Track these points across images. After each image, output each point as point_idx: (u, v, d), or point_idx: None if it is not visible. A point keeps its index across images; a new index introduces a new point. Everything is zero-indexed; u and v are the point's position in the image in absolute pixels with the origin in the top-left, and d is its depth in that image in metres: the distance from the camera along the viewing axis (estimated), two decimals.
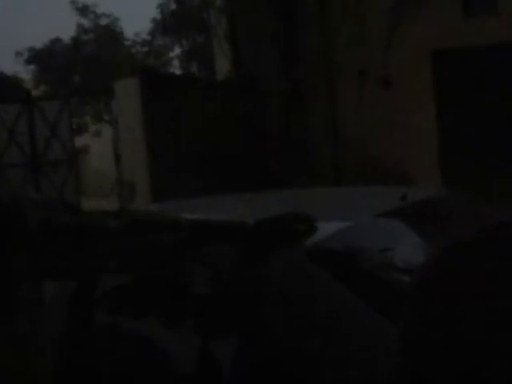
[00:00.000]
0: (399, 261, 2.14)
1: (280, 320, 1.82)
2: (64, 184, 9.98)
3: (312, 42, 8.51)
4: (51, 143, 9.85)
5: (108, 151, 18.37)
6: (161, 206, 4.43)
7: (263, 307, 1.84)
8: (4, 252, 1.65)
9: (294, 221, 1.84)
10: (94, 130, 20.70)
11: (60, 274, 1.86)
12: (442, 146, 8.13)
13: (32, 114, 9.71)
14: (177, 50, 22.47)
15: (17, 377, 1.61)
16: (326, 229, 2.01)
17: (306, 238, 1.85)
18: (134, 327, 2.07)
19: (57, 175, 9.85)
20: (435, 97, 8.21)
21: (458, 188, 5.13)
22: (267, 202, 2.79)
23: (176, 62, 22.33)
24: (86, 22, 21.76)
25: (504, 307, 0.94)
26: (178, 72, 20.91)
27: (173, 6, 20.08)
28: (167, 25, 20.67)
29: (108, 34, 21.71)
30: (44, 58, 20.96)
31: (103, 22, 21.81)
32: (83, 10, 21.42)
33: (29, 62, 21.17)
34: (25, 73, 21.12)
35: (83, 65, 20.83)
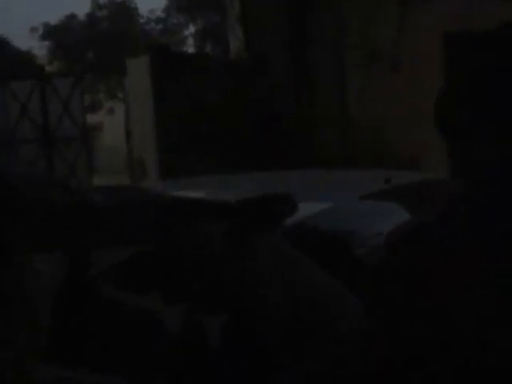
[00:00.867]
0: (375, 240, 2.18)
1: (261, 298, 1.89)
2: (76, 161, 10.10)
3: (324, 23, 8.50)
4: (63, 120, 9.95)
5: (121, 129, 18.45)
6: (166, 183, 4.52)
7: (246, 284, 1.92)
8: None
9: (275, 200, 1.90)
10: (108, 107, 20.78)
11: (51, 249, 1.94)
12: (448, 129, 8.10)
13: (44, 91, 9.80)
14: (191, 29, 22.40)
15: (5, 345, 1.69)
16: (308, 209, 2.07)
17: (286, 218, 1.91)
18: (124, 301, 2.15)
19: (69, 152, 9.97)
20: (447, 81, 8.18)
21: (465, 173, 5.14)
22: (270, 182, 2.85)
23: (190, 41, 22.28)
24: None
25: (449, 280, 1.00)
26: (192, 51, 20.88)
27: None
28: (181, 3, 20.63)
29: (123, 11, 21.69)
30: (59, 33, 21.00)
31: None
32: None
33: (43, 37, 21.23)
34: (39, 49, 21.19)
35: (98, 41, 20.87)
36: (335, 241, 2.21)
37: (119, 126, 19.49)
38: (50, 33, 20.81)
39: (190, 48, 21.30)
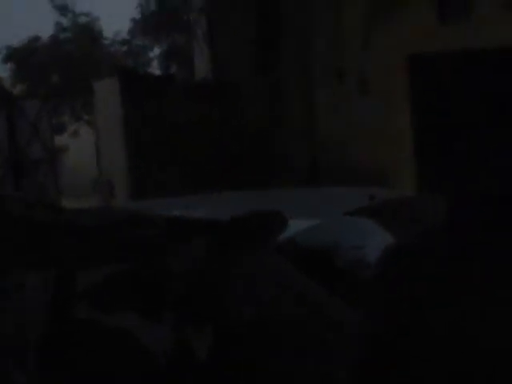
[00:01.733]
0: (372, 258, 2.23)
1: (253, 313, 1.91)
2: (44, 183, 9.99)
3: (291, 44, 8.62)
4: (32, 142, 9.85)
5: (85, 151, 18.31)
6: (138, 204, 4.50)
7: (236, 301, 1.93)
8: None
9: (267, 218, 1.93)
10: (72, 129, 20.59)
11: (38, 267, 1.93)
12: (418, 148, 8.29)
13: (12, 113, 9.70)
14: (156, 51, 22.43)
15: None
16: (298, 226, 2.10)
17: (278, 235, 1.94)
18: (111, 321, 2.13)
19: (37, 174, 9.85)
20: (412, 100, 8.37)
21: (432, 190, 5.25)
22: (244, 201, 2.88)
23: (155, 63, 22.30)
24: (64, 21, 21.64)
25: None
26: (157, 72, 20.89)
27: (152, 6, 20.06)
28: (147, 25, 20.65)
29: (87, 33, 21.62)
30: (22, 56, 20.80)
31: (82, 20, 21.71)
32: (62, 9, 21.30)
33: (6, 60, 20.98)
34: (2, 71, 20.93)
35: (62, 64, 20.73)
36: (319, 254, 2.25)
37: (84, 148, 19.33)
38: (13, 55, 20.60)
39: (155, 70, 21.31)
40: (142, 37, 21.86)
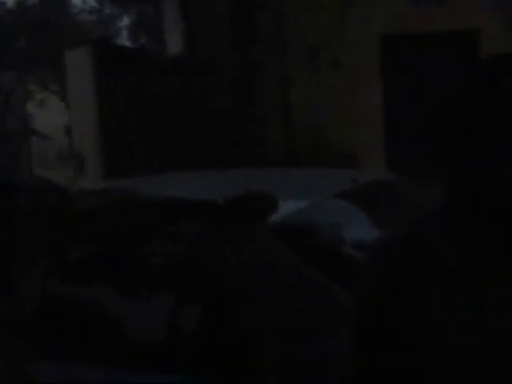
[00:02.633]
0: (349, 237, 2.35)
1: (242, 290, 2.00)
2: (16, 154, 9.85)
3: (267, 21, 8.62)
4: (4, 112, 9.67)
5: (53, 122, 17.99)
6: (116, 182, 4.52)
7: (227, 278, 2.02)
8: None
9: (258, 200, 2.01)
10: (40, 99, 20.20)
11: (40, 251, 1.98)
12: (388, 129, 8.44)
13: None
14: (126, 21, 22.05)
15: None
16: (287, 207, 2.20)
17: (267, 215, 2.03)
18: (103, 298, 2.20)
19: (10, 144, 9.70)
20: (384, 80, 8.49)
21: (403, 171, 5.38)
22: (226, 181, 2.95)
23: (125, 33, 21.93)
24: None
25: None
26: (126, 43, 20.55)
27: None
28: None
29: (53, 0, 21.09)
30: None
31: None
32: None
33: None
34: None
35: (28, 30, 20.22)
36: (301, 233, 2.35)
37: (51, 119, 18.98)
38: None
39: (124, 40, 20.97)
40: (110, 6, 21.44)
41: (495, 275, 1.04)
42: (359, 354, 1.10)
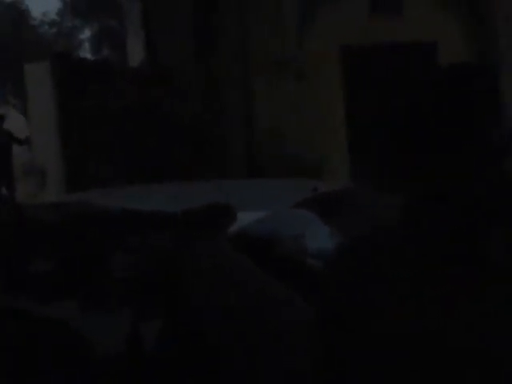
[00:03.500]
0: (311, 247, 2.36)
1: (203, 301, 1.99)
2: None
3: (229, 31, 8.66)
4: None
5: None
6: (77, 196, 4.46)
7: (188, 290, 2.01)
8: None
9: (217, 210, 2.01)
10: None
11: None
12: (351, 137, 8.54)
13: None
14: (87, 33, 21.89)
15: None
16: (247, 218, 2.20)
17: (227, 226, 2.04)
18: (46, 312, 2.17)
19: None
20: (345, 89, 8.60)
21: (364, 179, 5.44)
22: (187, 193, 2.95)
23: (86, 45, 21.76)
24: None
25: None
26: (88, 56, 20.39)
27: None
28: (77, 5, 20.11)
29: (14, 13, 20.82)
30: None
31: None
32: None
33: None
34: None
35: None
36: (263, 244, 2.36)
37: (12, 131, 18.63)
38: None
39: (86, 53, 20.80)
40: (71, 18, 21.28)
41: (449, 281, 1.07)
42: (324, 363, 1.11)
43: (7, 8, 21.46)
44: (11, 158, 9.72)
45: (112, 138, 8.14)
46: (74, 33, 22.04)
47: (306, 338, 1.64)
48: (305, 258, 2.47)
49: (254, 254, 2.13)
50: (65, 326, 2.21)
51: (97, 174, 7.78)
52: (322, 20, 8.50)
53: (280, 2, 8.53)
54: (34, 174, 9.04)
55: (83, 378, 2.19)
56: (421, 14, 8.29)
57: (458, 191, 1.06)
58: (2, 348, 2.21)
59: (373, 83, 8.42)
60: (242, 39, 8.58)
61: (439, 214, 1.07)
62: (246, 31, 8.57)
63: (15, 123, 17.47)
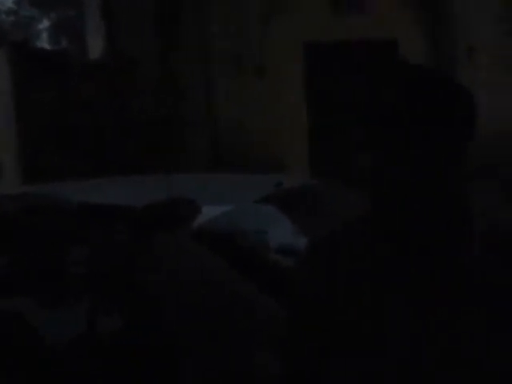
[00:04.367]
0: (274, 242, 2.35)
1: (163, 296, 1.96)
2: None
3: (191, 26, 8.60)
4: None
5: None
6: (34, 188, 4.38)
7: (147, 284, 1.98)
8: None
9: (179, 205, 1.98)
10: None
11: None
12: (311, 134, 8.58)
13: None
14: (45, 23, 21.46)
15: None
16: (210, 212, 2.18)
17: (190, 221, 2.01)
18: (21, 307, 2.12)
19: None
20: (307, 87, 8.64)
21: (326, 175, 5.46)
22: (148, 187, 2.90)
23: (45, 35, 21.34)
24: None
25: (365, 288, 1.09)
26: (46, 46, 19.99)
27: None
28: None
29: None
30: None
31: None
32: None
33: None
34: None
35: None
36: (225, 239, 2.34)
37: None
38: None
39: (44, 43, 20.38)
40: (29, 7, 20.82)
41: (414, 277, 1.07)
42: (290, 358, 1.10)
43: None
44: None
45: (70, 130, 8.00)
46: (31, 22, 21.58)
47: (268, 334, 1.63)
48: (267, 253, 2.46)
49: (216, 248, 2.11)
50: (19, 319, 2.16)
51: (54, 166, 7.63)
52: (284, 17, 8.52)
53: (241, 1, 8.51)
54: None
55: (35, 371, 2.14)
56: (384, 13, 8.38)
57: (426, 184, 1.06)
58: None
59: (334, 80, 8.47)
60: (203, 33, 8.53)
61: (403, 208, 1.07)
62: (207, 26, 8.52)
63: None
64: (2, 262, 2.14)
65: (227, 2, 8.53)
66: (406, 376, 1.04)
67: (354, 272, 1.08)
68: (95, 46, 9.73)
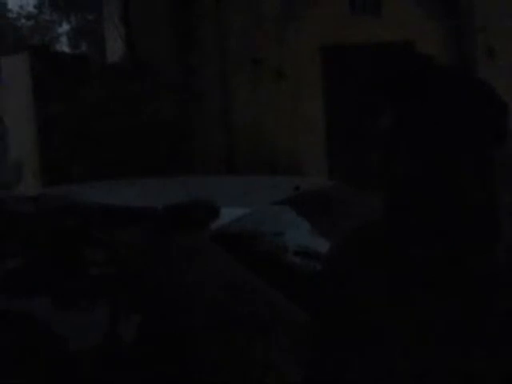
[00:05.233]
0: (292, 244, 2.35)
1: (183, 302, 1.97)
2: None
3: (207, 29, 8.63)
4: None
5: None
6: (54, 189, 4.42)
7: (168, 289, 1.99)
8: None
9: (199, 207, 1.99)
10: None
11: None
12: (329, 136, 8.57)
13: None
14: (65, 27, 21.68)
15: None
16: (228, 215, 2.18)
17: (209, 224, 2.01)
18: (32, 310, 2.13)
19: None
20: (324, 89, 8.62)
21: (343, 177, 5.45)
22: (166, 189, 2.92)
23: (64, 39, 21.54)
24: None
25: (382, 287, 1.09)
26: (66, 50, 20.19)
27: None
28: None
29: None
30: None
31: None
32: None
33: None
34: None
35: None
36: (243, 241, 2.34)
37: None
38: None
39: (64, 47, 20.59)
40: (49, 12, 21.04)
41: (429, 276, 1.07)
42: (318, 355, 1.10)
43: None
44: None
45: (89, 133, 8.07)
46: (51, 26, 21.78)
47: (288, 336, 1.63)
48: (284, 255, 2.46)
49: (235, 250, 2.11)
50: (33, 322, 2.17)
51: (74, 168, 7.70)
52: (302, 21, 8.52)
53: (259, 2, 8.52)
54: (10, 167, 8.92)
55: (47, 373, 2.15)
56: (398, 15, 8.35)
57: (443, 187, 1.05)
58: None
59: (351, 83, 8.45)
60: (221, 37, 8.56)
61: (423, 211, 1.06)
62: (224, 29, 8.55)
63: None
64: (19, 263, 2.16)
65: (245, 4, 8.55)
66: (429, 378, 1.04)
67: (381, 272, 1.08)
68: (113, 49, 9.81)
